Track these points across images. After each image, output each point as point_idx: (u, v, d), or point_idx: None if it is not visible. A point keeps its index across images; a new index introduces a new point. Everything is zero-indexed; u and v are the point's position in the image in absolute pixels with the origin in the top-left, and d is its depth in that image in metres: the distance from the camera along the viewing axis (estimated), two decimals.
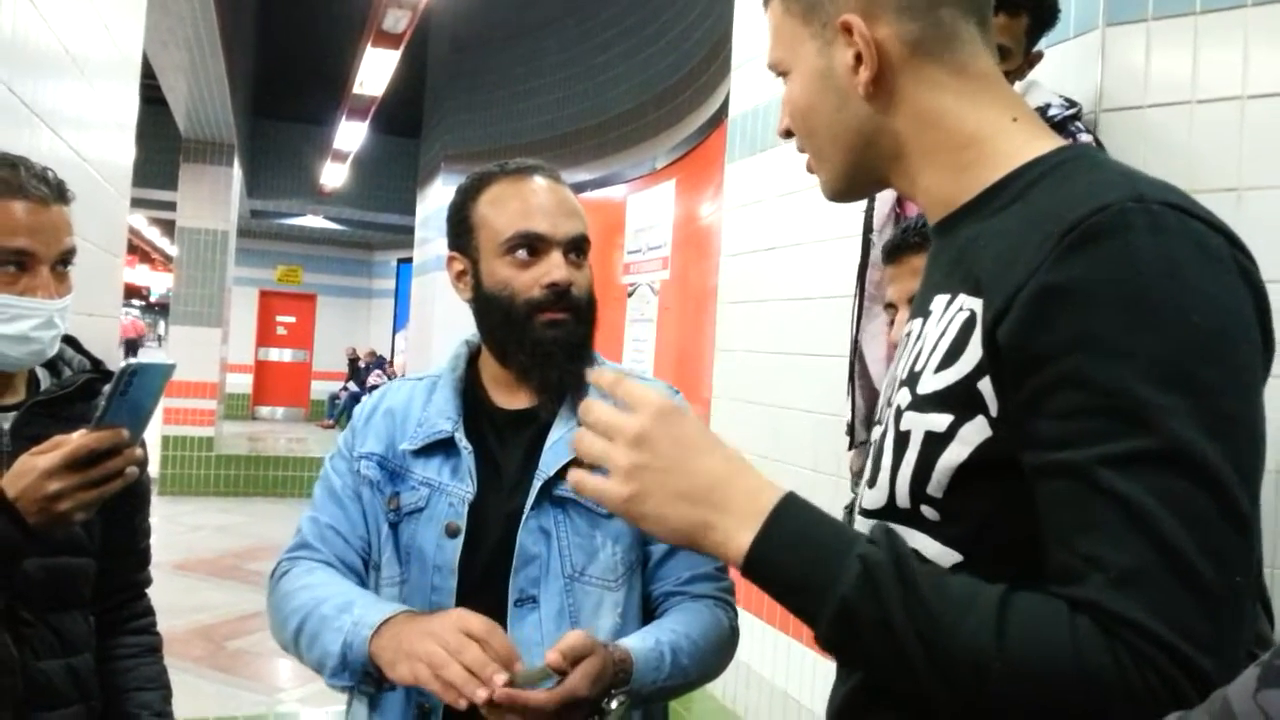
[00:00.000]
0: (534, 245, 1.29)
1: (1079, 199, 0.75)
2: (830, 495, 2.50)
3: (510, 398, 1.35)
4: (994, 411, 0.76)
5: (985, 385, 0.77)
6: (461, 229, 1.36)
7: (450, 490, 1.29)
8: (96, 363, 1.49)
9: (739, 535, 0.78)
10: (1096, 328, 0.72)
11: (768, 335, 3.00)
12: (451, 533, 1.26)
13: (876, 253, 1.86)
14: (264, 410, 16.91)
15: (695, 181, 5.71)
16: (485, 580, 1.25)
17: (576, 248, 1.32)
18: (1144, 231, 0.72)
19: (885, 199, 1.95)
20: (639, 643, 1.18)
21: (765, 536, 0.77)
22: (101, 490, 1.16)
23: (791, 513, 0.79)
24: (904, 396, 0.84)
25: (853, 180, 0.93)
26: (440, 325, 10.21)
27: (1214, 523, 0.70)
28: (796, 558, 0.77)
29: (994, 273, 0.78)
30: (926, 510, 0.80)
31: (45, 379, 1.43)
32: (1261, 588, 0.82)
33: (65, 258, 1.35)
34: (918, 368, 0.83)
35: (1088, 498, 0.72)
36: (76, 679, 1.36)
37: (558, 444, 1.29)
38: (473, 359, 1.41)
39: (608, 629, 1.26)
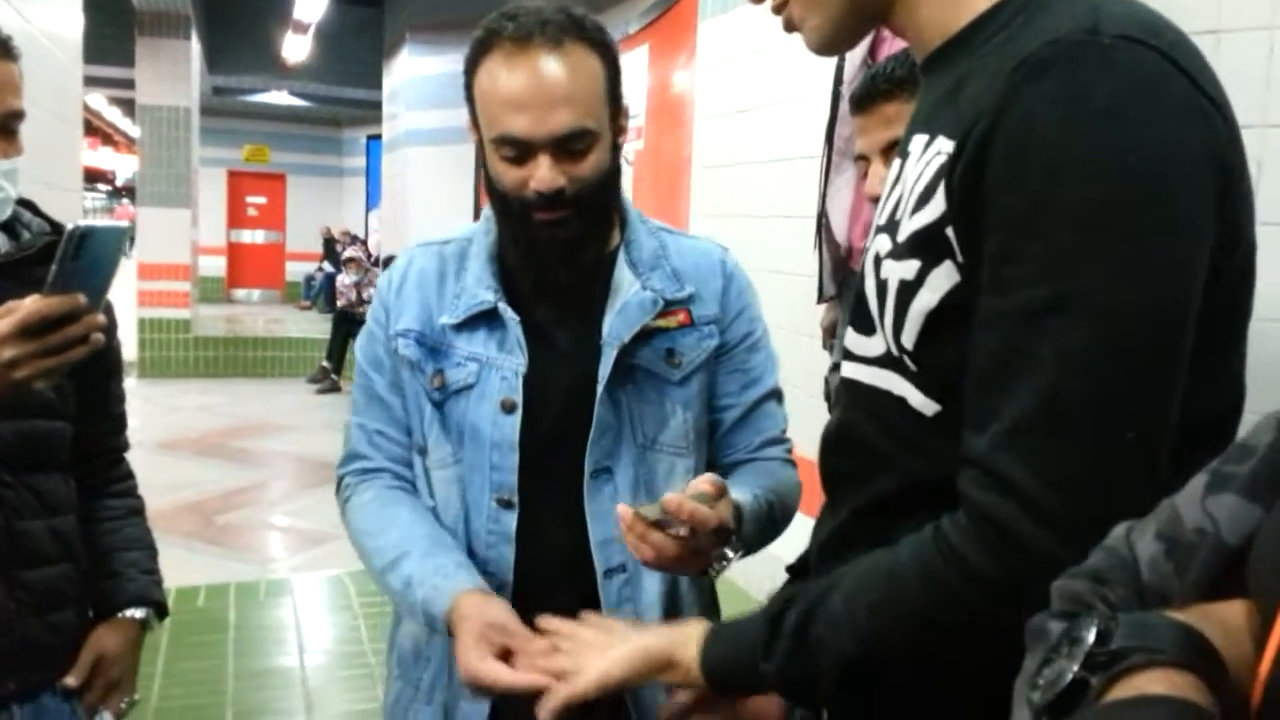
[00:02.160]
0: (518, 148, 1.16)
1: (1043, 32, 0.72)
2: (809, 356, 2.52)
3: None
4: (960, 257, 0.75)
5: (951, 230, 0.75)
6: (468, 96, 1.24)
7: (501, 364, 1.23)
8: (56, 226, 1.45)
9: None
10: (1027, 169, 0.70)
11: (744, 199, 2.97)
12: (508, 408, 1.22)
13: (845, 106, 1.82)
14: (239, 293, 16.75)
15: (669, 47, 5.54)
16: (551, 454, 1.21)
17: (573, 142, 1.16)
18: (1088, 67, 0.69)
19: (857, 50, 1.90)
20: (742, 496, 1.15)
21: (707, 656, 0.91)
22: (62, 358, 1.13)
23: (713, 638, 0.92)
24: (883, 243, 0.82)
25: (849, 22, 0.88)
26: (414, 204, 10.05)
27: (1111, 376, 0.68)
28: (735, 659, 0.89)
29: (964, 112, 0.75)
30: (907, 360, 0.80)
31: (4, 243, 1.39)
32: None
33: (10, 120, 1.30)
34: (897, 215, 0.81)
35: (997, 346, 0.72)
36: (60, 539, 1.37)
37: (625, 308, 1.22)
38: None
39: None
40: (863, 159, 1.57)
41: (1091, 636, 0.51)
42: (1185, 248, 0.70)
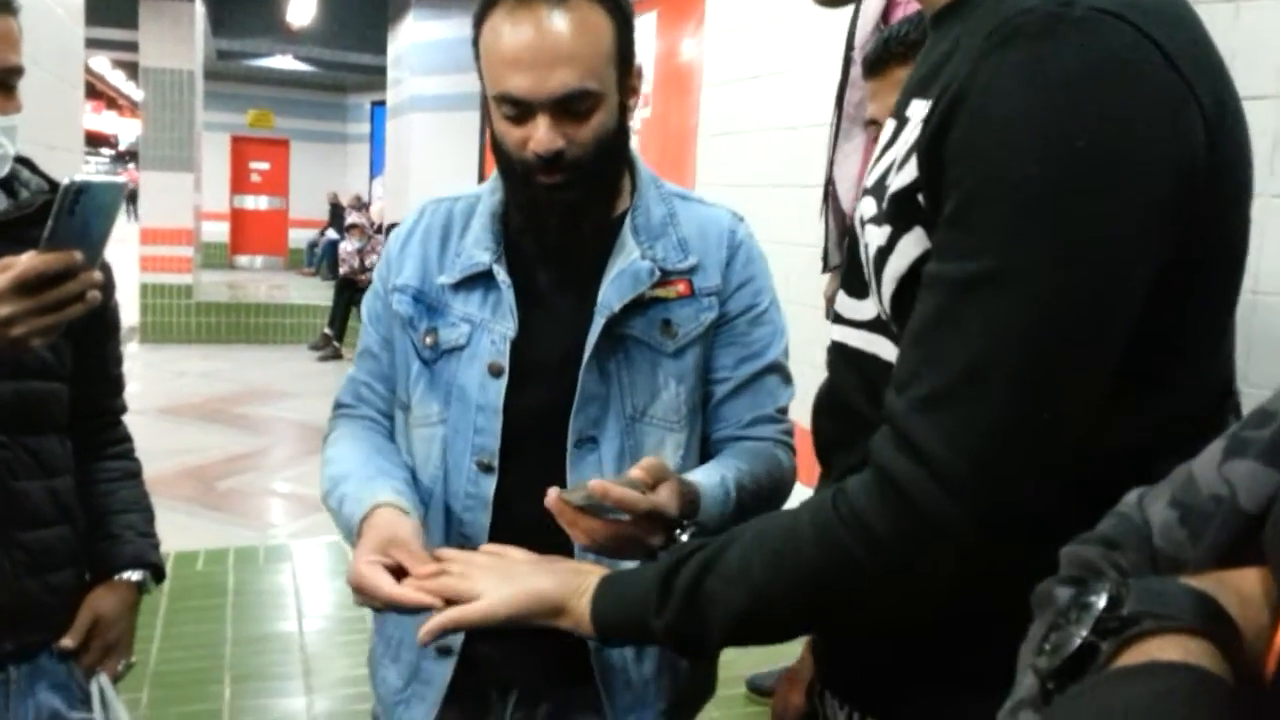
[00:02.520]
0: (517, 107, 1.13)
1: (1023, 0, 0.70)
2: (809, 326, 2.50)
3: None
4: (928, 223, 0.74)
5: (922, 196, 0.74)
6: (476, 54, 1.21)
7: (492, 327, 1.21)
8: (55, 185, 1.43)
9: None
10: (981, 139, 0.69)
11: (750, 168, 2.94)
12: (495, 372, 1.20)
13: (857, 71, 1.79)
14: (242, 259, 16.72)
15: (677, 14, 5.48)
16: (538, 422, 1.19)
17: (573, 103, 1.12)
18: (1057, 39, 0.67)
19: (869, 14, 1.87)
20: (704, 477, 1.14)
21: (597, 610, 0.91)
22: (59, 316, 1.12)
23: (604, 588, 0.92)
24: (868, 207, 0.82)
25: None
26: (418, 171, 9.99)
27: (1035, 354, 0.68)
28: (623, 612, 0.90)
29: (945, 77, 0.74)
30: (893, 325, 0.79)
31: (2, 201, 1.38)
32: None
33: (9, 76, 1.28)
34: (886, 180, 0.80)
35: (931, 310, 0.71)
36: (57, 500, 1.37)
37: (620, 276, 1.19)
38: None
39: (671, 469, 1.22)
40: (874, 124, 1.55)
41: (1102, 601, 0.50)
42: (1126, 236, 0.68)
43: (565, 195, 1.16)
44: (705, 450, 1.28)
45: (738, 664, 3.07)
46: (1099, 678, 0.48)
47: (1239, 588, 0.52)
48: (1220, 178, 0.72)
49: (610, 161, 1.20)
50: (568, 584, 0.93)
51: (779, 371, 1.29)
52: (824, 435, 0.92)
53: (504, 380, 1.20)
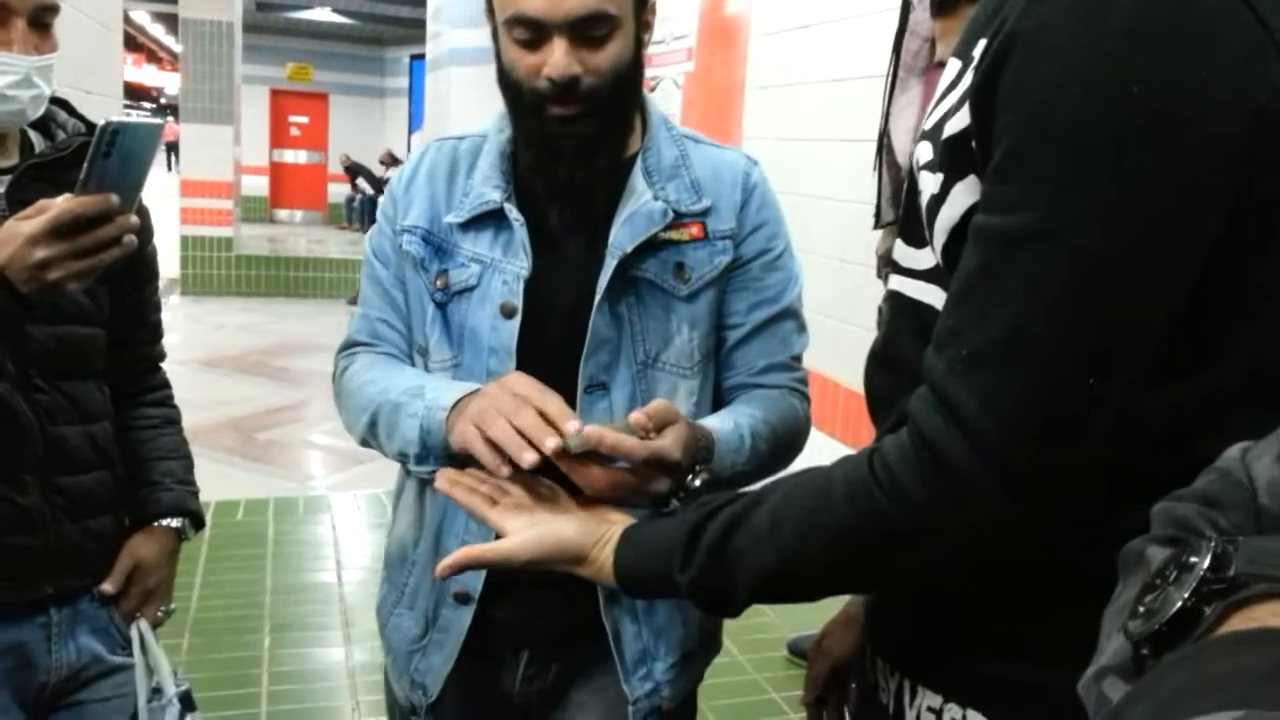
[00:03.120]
0: (531, 29, 1.09)
1: None
2: (860, 286, 2.44)
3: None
4: (981, 171, 0.69)
5: (975, 143, 0.70)
6: None
7: (503, 267, 1.17)
8: (92, 127, 1.41)
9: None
10: (1032, 85, 0.64)
11: (798, 121, 2.87)
12: (507, 313, 1.16)
13: (916, 16, 1.72)
14: (282, 214, 16.83)
15: None
16: (551, 364, 1.14)
17: (590, 26, 1.08)
18: None
19: None
20: (719, 423, 1.11)
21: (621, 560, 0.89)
22: (95, 260, 1.10)
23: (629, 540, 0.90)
24: (925, 152, 0.77)
25: None
26: (456, 126, 9.93)
27: (1079, 317, 0.64)
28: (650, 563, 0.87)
29: (1001, 16, 0.69)
30: (946, 275, 0.75)
31: (39, 143, 1.36)
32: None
33: (43, 14, 1.25)
34: (944, 124, 0.75)
35: (975, 267, 0.68)
36: (95, 446, 1.36)
37: (633, 218, 1.16)
38: None
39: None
40: (941, 67, 1.47)
41: (1206, 561, 0.45)
42: (1185, 191, 0.63)
43: (579, 128, 1.12)
44: (719, 398, 1.25)
45: (779, 627, 3.05)
46: (1204, 644, 0.43)
47: None
48: None
49: (626, 94, 1.16)
50: (591, 532, 0.91)
51: (793, 318, 1.26)
52: (878, 390, 0.88)
53: (517, 321, 1.16)
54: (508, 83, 1.15)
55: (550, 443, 0.95)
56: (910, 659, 0.85)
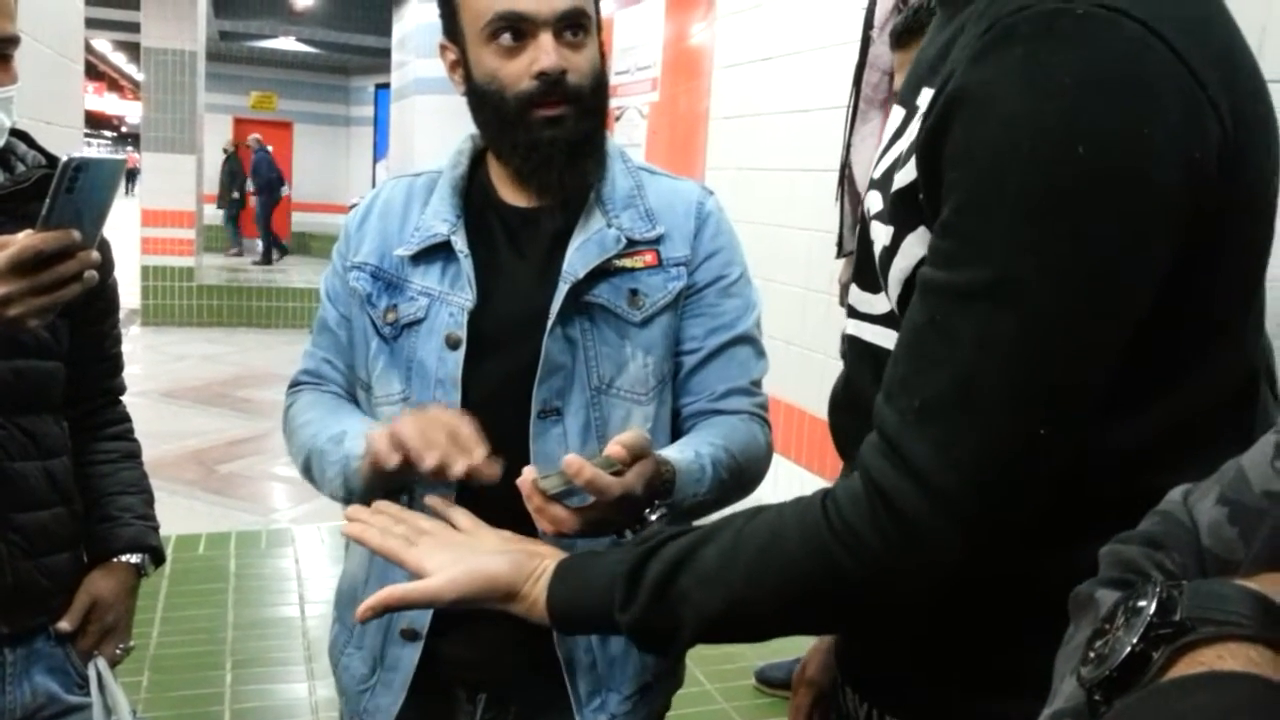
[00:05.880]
0: (517, 28, 1.13)
1: None
2: (823, 313, 2.47)
3: (523, 195, 1.23)
4: (930, 223, 0.71)
5: (923, 196, 0.71)
6: (447, 10, 1.21)
7: (449, 299, 1.19)
8: (53, 160, 1.40)
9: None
10: (978, 143, 0.65)
11: (761, 151, 2.90)
12: (452, 344, 1.18)
13: (876, 51, 1.76)
14: (245, 242, 16.68)
15: None
16: (501, 393, 1.17)
17: (572, 25, 1.14)
18: (1055, 40, 0.64)
19: None
20: (679, 454, 1.10)
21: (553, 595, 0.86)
22: (56, 296, 1.09)
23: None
24: (875, 201, 0.79)
25: None
26: (421, 155, 9.96)
27: (1030, 368, 0.65)
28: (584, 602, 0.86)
29: (945, 70, 0.71)
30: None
31: None
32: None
33: (4, 45, 1.24)
34: (892, 175, 0.76)
35: (924, 319, 0.69)
36: (54, 481, 1.34)
37: (586, 244, 1.18)
38: (480, 154, 1.28)
39: None
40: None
41: (1153, 606, 0.46)
42: (1128, 247, 0.65)
43: (567, 128, 1.15)
44: (676, 426, 1.26)
45: (748, 655, 3.04)
46: (1153, 690, 0.44)
47: None
48: (1239, 172, 0.68)
49: (600, 100, 1.20)
50: (521, 567, 0.88)
51: (751, 343, 1.27)
52: (841, 429, 0.89)
53: (461, 352, 1.18)
54: (485, 98, 1.17)
55: (526, 475, 0.96)
56: (878, 689, 0.85)
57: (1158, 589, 0.47)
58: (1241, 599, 0.45)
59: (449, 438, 1.01)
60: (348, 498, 1.14)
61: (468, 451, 1.00)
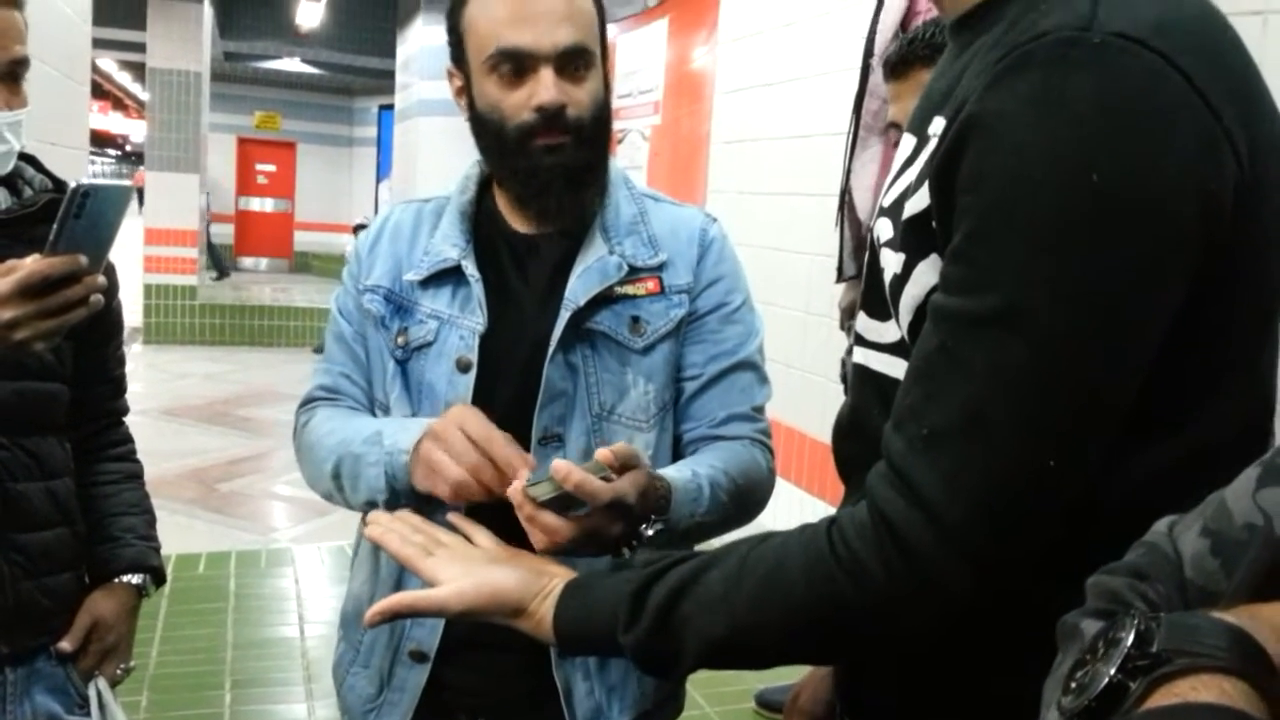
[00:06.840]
0: (518, 62, 1.14)
1: (1042, 19, 0.67)
2: (824, 337, 2.48)
3: (527, 222, 1.24)
4: (942, 251, 0.71)
5: (935, 223, 0.71)
6: (454, 37, 1.22)
7: (460, 323, 1.20)
8: (60, 183, 1.41)
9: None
10: (991, 171, 0.65)
11: (762, 176, 2.92)
12: (463, 367, 1.18)
13: (875, 78, 1.78)
14: (247, 261, 16.74)
15: (689, 19, 5.48)
16: (507, 418, 1.15)
17: (574, 60, 1.15)
18: (1071, 68, 0.64)
19: (889, 21, 1.85)
20: (675, 473, 1.10)
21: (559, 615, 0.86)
22: (62, 320, 1.10)
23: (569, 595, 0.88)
24: (885, 229, 0.79)
25: None
26: (424, 176, 10.00)
27: (1040, 399, 0.65)
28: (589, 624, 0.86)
29: (957, 98, 0.71)
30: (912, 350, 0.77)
31: (4, 199, 1.36)
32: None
33: (15, 68, 1.26)
34: (903, 203, 0.76)
35: (934, 346, 0.69)
36: (57, 502, 1.35)
37: (587, 271, 1.19)
38: (487, 181, 1.29)
39: None
40: (894, 127, 1.52)
41: (1131, 637, 0.47)
42: (1142, 278, 0.65)
43: (565, 157, 1.16)
44: (678, 453, 1.26)
45: (748, 678, 3.04)
46: (1130, 719, 0.45)
47: (1275, 623, 0.49)
48: (1255, 206, 0.68)
49: (602, 131, 1.21)
50: (530, 584, 0.89)
51: (753, 369, 1.27)
52: (845, 456, 0.89)
53: (472, 375, 1.18)
54: (486, 126, 1.18)
55: (515, 484, 0.97)
56: (876, 717, 0.85)
57: (1136, 621, 0.48)
58: (1216, 632, 0.46)
59: (489, 463, 1.03)
60: (391, 500, 1.13)
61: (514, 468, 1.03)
